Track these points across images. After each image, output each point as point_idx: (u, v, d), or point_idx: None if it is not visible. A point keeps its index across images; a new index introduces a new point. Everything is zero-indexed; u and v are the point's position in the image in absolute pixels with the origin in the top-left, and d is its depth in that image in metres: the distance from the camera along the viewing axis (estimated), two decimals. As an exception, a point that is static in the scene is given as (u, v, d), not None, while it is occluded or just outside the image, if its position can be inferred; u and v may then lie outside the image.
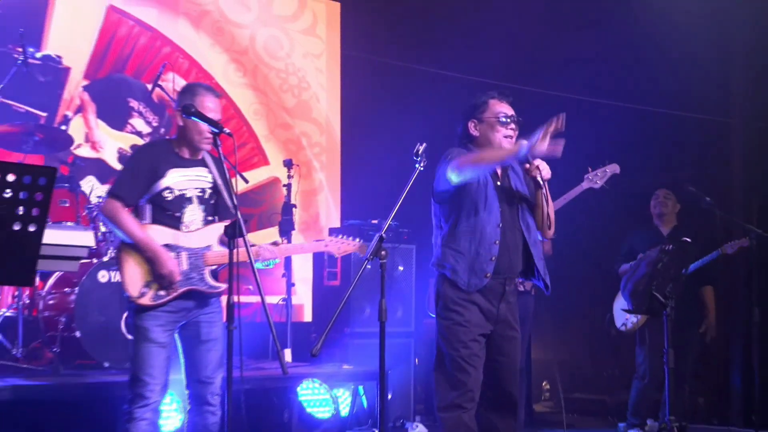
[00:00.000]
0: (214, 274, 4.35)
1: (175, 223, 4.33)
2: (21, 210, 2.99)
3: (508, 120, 4.37)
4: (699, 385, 7.87)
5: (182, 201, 4.35)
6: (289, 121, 8.43)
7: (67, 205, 6.01)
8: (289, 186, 6.95)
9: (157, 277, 4.22)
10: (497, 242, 4.23)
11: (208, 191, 4.43)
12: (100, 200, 6.00)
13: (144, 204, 4.30)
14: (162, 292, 4.24)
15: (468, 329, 4.20)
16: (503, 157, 4.28)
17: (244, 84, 8.13)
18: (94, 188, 6.60)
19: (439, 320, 4.30)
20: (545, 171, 4.28)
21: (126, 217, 4.22)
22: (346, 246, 4.61)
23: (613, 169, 5.46)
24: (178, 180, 4.34)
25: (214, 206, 4.46)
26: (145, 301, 4.22)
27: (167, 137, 4.57)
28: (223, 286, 4.16)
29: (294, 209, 6.95)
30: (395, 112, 8.16)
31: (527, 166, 4.32)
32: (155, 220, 4.29)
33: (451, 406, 4.20)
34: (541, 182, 4.29)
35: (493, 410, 4.32)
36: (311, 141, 8.57)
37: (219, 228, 4.36)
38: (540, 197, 4.36)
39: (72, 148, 6.84)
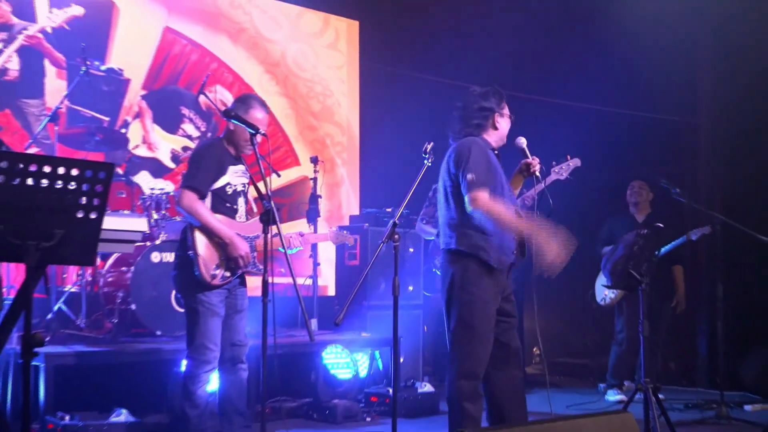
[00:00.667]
0: None
1: (233, 214, 4.37)
2: (84, 200, 2.98)
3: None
4: (670, 351, 7.83)
5: (236, 195, 4.39)
6: (315, 124, 8.41)
7: (124, 195, 6.01)
8: (315, 180, 6.93)
9: (228, 259, 4.24)
10: None
11: (247, 186, 4.46)
12: (153, 191, 6.01)
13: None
14: (227, 273, 4.27)
15: (488, 306, 4.08)
16: (519, 228, 4.07)
17: (278, 92, 8.10)
18: (147, 182, 6.61)
19: (462, 295, 4.07)
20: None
21: (203, 207, 4.23)
22: (342, 237, 5.12)
23: (575, 162, 5.38)
24: (233, 176, 4.37)
25: (247, 198, 4.50)
26: (216, 281, 4.24)
27: (218, 136, 4.55)
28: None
29: (319, 199, 6.94)
30: (406, 115, 8.13)
31: (529, 161, 4.32)
32: (216, 211, 4.30)
33: (470, 375, 4.06)
34: (538, 175, 4.29)
35: (502, 366, 4.21)
36: (334, 141, 8.54)
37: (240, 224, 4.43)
38: (522, 185, 4.39)
39: (131, 148, 6.89)
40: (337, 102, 8.58)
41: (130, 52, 7.15)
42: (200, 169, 4.28)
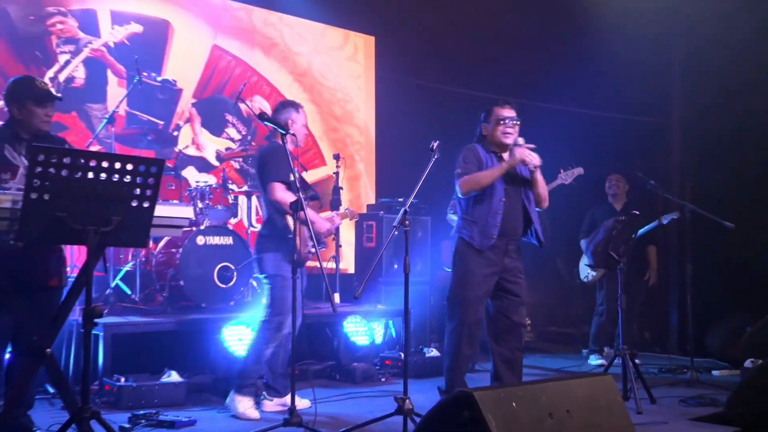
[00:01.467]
0: None
1: None
2: (137, 191, 2.99)
3: (506, 121, 4.40)
4: (645, 322, 7.78)
5: (297, 187, 4.42)
6: (337, 126, 8.37)
7: (173, 187, 6.00)
8: (337, 173, 6.93)
9: (310, 237, 4.27)
10: (500, 213, 4.32)
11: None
12: (198, 184, 6.01)
13: None
14: (313, 250, 4.32)
15: (474, 275, 4.33)
16: (494, 176, 4.33)
17: (305, 99, 8.02)
18: (193, 176, 6.61)
19: (456, 269, 4.43)
20: (533, 161, 4.33)
21: (292, 195, 4.29)
22: (351, 215, 5.26)
23: (579, 171, 5.50)
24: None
25: None
26: (310, 257, 4.32)
27: (274, 140, 4.58)
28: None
29: (341, 191, 6.94)
30: (415, 117, 8.10)
31: (520, 156, 4.39)
32: None
33: (459, 324, 4.36)
34: (532, 168, 4.37)
35: (504, 338, 4.37)
36: (353, 140, 8.51)
37: (314, 207, 4.63)
38: (534, 179, 4.42)
39: (182, 148, 6.92)
40: (356, 107, 8.54)
41: (183, 66, 7.14)
42: (282, 165, 4.34)
